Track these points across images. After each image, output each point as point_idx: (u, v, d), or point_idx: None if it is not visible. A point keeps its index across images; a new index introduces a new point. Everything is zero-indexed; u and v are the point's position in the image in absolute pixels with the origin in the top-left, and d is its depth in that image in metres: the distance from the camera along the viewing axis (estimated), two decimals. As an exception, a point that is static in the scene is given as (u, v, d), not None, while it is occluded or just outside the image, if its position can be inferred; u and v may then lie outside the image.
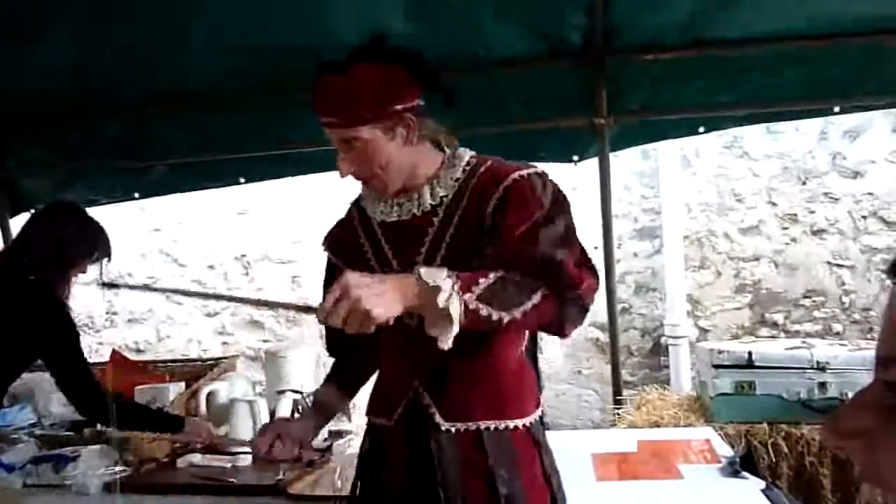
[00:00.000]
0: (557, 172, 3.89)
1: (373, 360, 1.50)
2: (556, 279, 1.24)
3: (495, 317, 1.19)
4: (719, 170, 3.83)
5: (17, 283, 2.13)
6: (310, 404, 1.65)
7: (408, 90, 1.31)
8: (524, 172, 1.32)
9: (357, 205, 1.50)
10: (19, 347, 2.14)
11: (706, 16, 2.31)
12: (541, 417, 1.42)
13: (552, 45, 2.49)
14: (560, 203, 1.33)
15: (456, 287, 1.15)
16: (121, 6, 2.20)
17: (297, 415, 1.83)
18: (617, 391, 2.77)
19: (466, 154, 1.40)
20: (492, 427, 1.33)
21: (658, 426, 2.51)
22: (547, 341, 4.05)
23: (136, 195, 3.10)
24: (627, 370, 3.84)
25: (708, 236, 3.85)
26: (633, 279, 3.95)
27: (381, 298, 1.12)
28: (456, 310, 1.14)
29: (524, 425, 1.36)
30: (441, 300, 1.13)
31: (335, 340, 1.56)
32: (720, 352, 2.55)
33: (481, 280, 1.18)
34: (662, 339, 3.87)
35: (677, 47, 2.44)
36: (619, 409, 2.73)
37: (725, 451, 2.05)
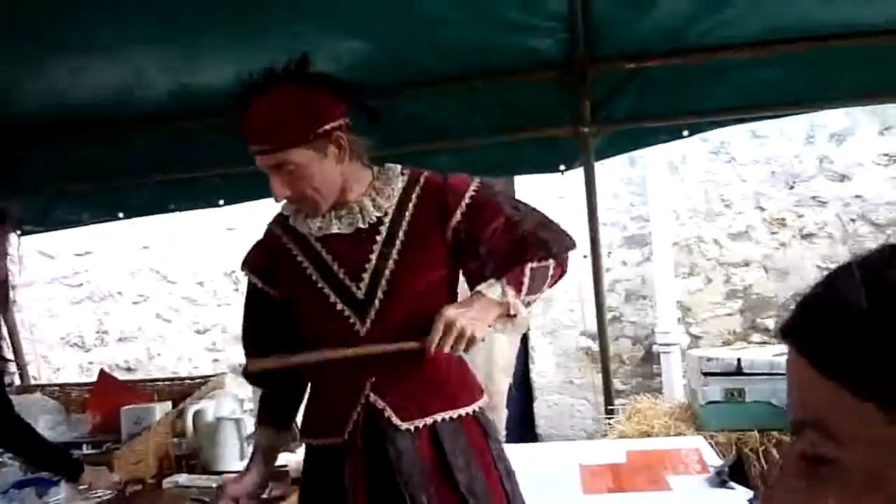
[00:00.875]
0: (544, 182, 3.92)
1: (299, 386, 1.52)
2: (558, 250, 1.46)
3: (532, 300, 1.42)
4: (707, 175, 3.83)
5: None
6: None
7: (334, 109, 1.35)
8: (476, 184, 1.44)
9: (281, 224, 1.49)
10: None
11: (688, 22, 2.32)
12: (483, 406, 1.48)
13: (534, 56, 2.49)
14: (506, 195, 1.52)
15: (513, 294, 1.36)
16: (108, 35, 2.19)
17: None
18: (608, 401, 2.75)
19: (396, 167, 1.47)
20: (447, 417, 1.40)
21: (649, 436, 2.50)
22: (538, 352, 4.04)
23: (120, 215, 3.08)
24: (620, 379, 3.83)
25: (697, 242, 3.85)
26: (623, 287, 3.94)
27: (477, 322, 1.32)
28: (521, 311, 1.38)
29: (473, 411, 1.44)
30: (512, 309, 1.36)
31: (260, 375, 1.52)
32: (709, 359, 2.54)
33: (524, 279, 1.38)
34: (654, 347, 3.86)
35: (660, 55, 2.45)
36: (610, 418, 2.71)
37: (715, 460, 2.04)
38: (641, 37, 2.39)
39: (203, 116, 2.65)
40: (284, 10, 2.13)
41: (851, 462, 0.40)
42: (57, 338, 4.62)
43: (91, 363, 4.51)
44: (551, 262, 1.44)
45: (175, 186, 2.98)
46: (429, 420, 1.39)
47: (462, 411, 1.42)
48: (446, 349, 1.31)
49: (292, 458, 2.12)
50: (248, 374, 1.54)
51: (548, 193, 3.88)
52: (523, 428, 3.84)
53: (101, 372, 2.98)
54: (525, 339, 3.91)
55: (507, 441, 3.30)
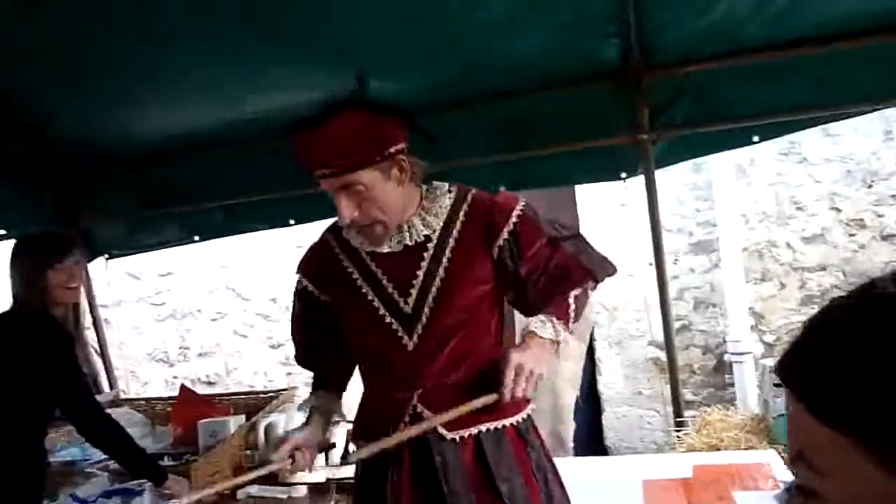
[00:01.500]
0: (605, 191, 3.88)
1: (346, 363, 1.61)
2: (601, 278, 1.54)
3: (573, 326, 1.47)
4: (777, 177, 3.70)
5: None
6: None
7: (396, 133, 1.41)
8: (523, 206, 1.49)
9: (335, 234, 1.55)
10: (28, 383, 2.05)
11: (746, 22, 2.26)
12: (526, 417, 1.51)
13: (590, 64, 2.48)
14: (549, 218, 1.53)
15: (563, 328, 1.43)
16: (195, 75, 2.33)
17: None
18: (678, 412, 2.69)
19: (443, 185, 1.51)
20: (491, 428, 1.44)
21: (718, 450, 2.43)
22: (605, 363, 3.99)
23: (196, 238, 3.23)
24: (690, 389, 3.73)
25: (768, 247, 3.72)
26: (691, 295, 3.84)
27: (541, 362, 1.38)
28: (569, 342, 1.46)
29: (517, 422, 1.47)
30: (562, 343, 1.43)
31: (305, 354, 1.66)
32: (782, 369, 2.44)
33: (570, 311, 1.45)
34: (726, 356, 3.74)
35: (718, 57, 2.40)
36: (679, 430, 2.65)
37: (787, 475, 1.97)
38: (698, 40, 2.34)
39: (271, 141, 2.76)
40: (347, 31, 2.20)
41: (833, 495, 0.40)
42: (144, 353, 4.88)
43: (175, 377, 4.74)
44: (590, 287, 1.51)
45: (246, 209, 3.11)
46: (473, 430, 1.43)
47: (506, 422, 1.45)
48: (519, 393, 1.36)
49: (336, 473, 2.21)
50: (299, 360, 1.68)
51: (610, 202, 3.84)
52: (591, 440, 3.79)
53: (182, 387, 3.13)
54: (591, 351, 3.87)
55: (575, 453, 3.28)
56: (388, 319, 1.45)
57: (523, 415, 1.49)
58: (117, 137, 2.86)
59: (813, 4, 2.18)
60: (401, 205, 1.45)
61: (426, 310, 1.44)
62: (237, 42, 2.27)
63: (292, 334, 1.68)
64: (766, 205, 3.73)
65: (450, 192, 1.51)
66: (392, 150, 1.39)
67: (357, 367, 1.60)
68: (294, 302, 1.64)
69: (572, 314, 1.45)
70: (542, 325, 1.41)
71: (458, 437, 1.42)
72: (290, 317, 1.68)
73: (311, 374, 1.67)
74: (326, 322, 1.58)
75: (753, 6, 2.21)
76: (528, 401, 1.51)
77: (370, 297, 1.47)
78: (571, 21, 2.28)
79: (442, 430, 1.42)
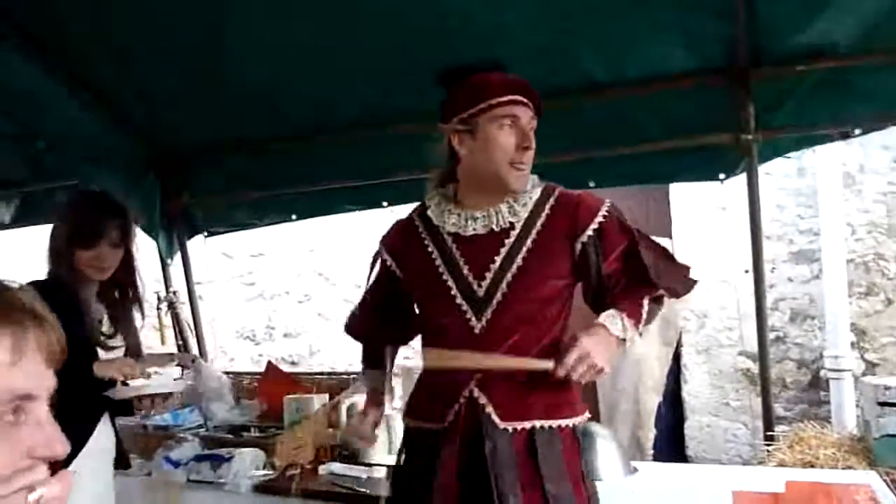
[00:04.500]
0: (704, 192, 3.75)
1: (399, 340, 1.71)
2: (684, 289, 1.54)
3: (642, 329, 1.47)
4: (888, 187, 3.48)
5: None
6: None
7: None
8: (609, 206, 1.52)
9: (421, 215, 1.60)
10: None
11: (864, 21, 2.14)
12: (582, 422, 1.51)
13: (694, 60, 2.40)
14: (632, 225, 1.55)
15: (632, 328, 1.43)
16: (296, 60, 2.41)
17: None
18: (768, 426, 2.57)
19: (534, 177, 1.55)
20: (546, 426, 1.44)
21: (812, 467, 2.31)
22: (691, 370, 3.86)
23: (294, 217, 3.31)
24: (781, 404, 3.57)
25: (876, 260, 3.51)
26: (788, 306, 3.67)
27: (604, 356, 1.37)
28: (636, 342, 1.46)
29: (572, 425, 1.47)
30: (629, 343, 1.43)
31: (362, 324, 1.75)
32: (887, 388, 2.32)
33: (642, 313, 1.46)
34: (822, 372, 3.55)
35: (828, 56, 2.27)
36: (769, 445, 2.53)
37: (890, 499, 1.85)
38: (810, 39, 2.23)
39: (371, 126, 2.81)
40: (434, 18, 2.22)
41: None
42: (233, 331, 5.09)
43: (260, 355, 4.92)
44: (665, 297, 1.52)
45: (340, 192, 3.18)
46: (527, 424, 1.44)
47: (561, 422, 1.46)
48: (576, 376, 1.36)
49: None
50: (348, 329, 1.79)
51: (707, 204, 3.72)
52: (672, 448, 3.68)
53: (269, 363, 3.24)
54: (677, 357, 3.76)
55: (655, 460, 3.20)
56: (458, 300, 1.48)
57: (579, 419, 1.49)
58: (219, 123, 2.97)
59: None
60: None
61: (499, 294, 1.46)
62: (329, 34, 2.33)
63: (359, 303, 1.76)
64: (876, 215, 3.51)
65: (538, 185, 1.54)
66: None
67: (421, 346, 1.62)
68: (369, 270, 1.71)
69: (644, 317, 1.46)
70: (613, 321, 1.42)
71: (511, 428, 1.43)
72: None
73: (361, 345, 1.79)
74: (394, 296, 1.66)
75: (871, 4, 2.08)
76: (586, 407, 1.53)
77: (445, 278, 1.50)
78: (677, 15, 2.21)
79: (495, 419, 1.43)
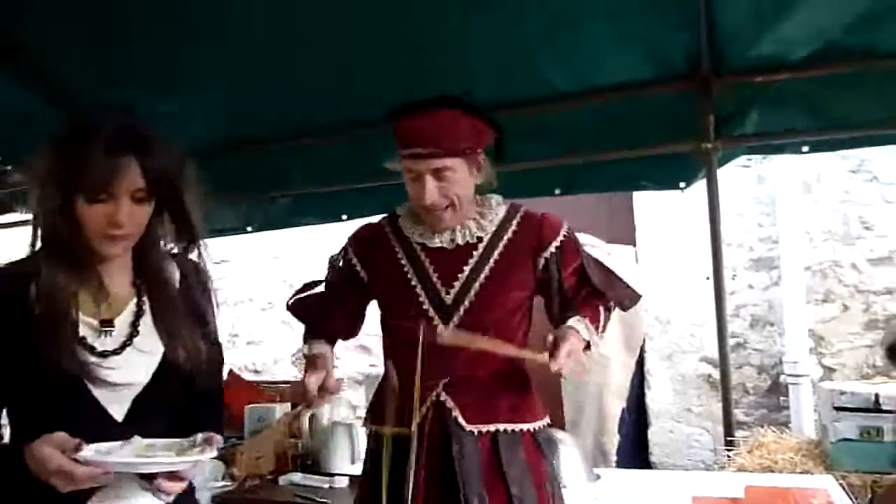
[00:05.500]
0: (665, 200, 3.79)
1: (340, 336, 1.67)
2: (629, 304, 1.66)
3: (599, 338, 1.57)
4: (845, 195, 3.56)
5: None
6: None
7: (485, 135, 1.54)
8: (568, 227, 1.61)
9: (391, 222, 1.64)
10: None
11: (824, 32, 2.18)
12: (544, 426, 1.57)
13: (656, 69, 2.43)
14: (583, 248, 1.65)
15: (594, 333, 1.53)
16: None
17: None
18: (728, 432, 2.60)
19: (498, 197, 1.63)
20: (509, 429, 1.50)
21: (771, 472, 2.35)
22: (655, 377, 3.90)
23: (249, 228, 3.26)
24: (742, 409, 3.62)
25: (833, 267, 3.58)
26: (748, 312, 3.73)
27: (581, 353, 1.46)
28: (599, 348, 1.56)
29: (534, 429, 1.53)
30: (592, 347, 1.52)
31: (311, 308, 1.68)
32: (843, 393, 2.36)
33: (601, 319, 1.57)
34: (782, 378, 3.61)
35: (789, 67, 2.32)
36: (730, 450, 2.57)
37: (845, 503, 1.88)
38: (771, 49, 2.27)
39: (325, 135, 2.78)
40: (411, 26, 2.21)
41: None
42: (194, 339, 4.98)
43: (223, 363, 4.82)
44: (614, 311, 1.64)
45: (296, 202, 3.13)
46: (492, 427, 1.49)
47: (523, 426, 1.52)
48: (565, 371, 1.43)
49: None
50: (297, 307, 1.71)
51: (669, 212, 3.76)
52: (636, 454, 3.71)
53: (230, 371, 3.19)
54: (641, 363, 3.79)
55: (618, 466, 3.22)
56: (426, 306, 1.52)
57: (540, 424, 1.55)
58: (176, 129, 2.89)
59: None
60: (470, 200, 1.56)
61: (466, 301, 1.52)
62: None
63: (305, 284, 1.71)
64: (833, 223, 3.59)
65: (503, 203, 1.63)
66: (479, 148, 1.53)
67: (384, 352, 1.64)
68: (329, 266, 1.69)
69: (602, 323, 1.58)
70: (579, 324, 1.51)
71: (477, 431, 1.48)
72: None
73: (305, 325, 1.71)
74: (351, 294, 1.65)
75: (830, 17, 2.13)
76: (546, 413, 1.59)
77: (413, 283, 1.54)
78: (640, 25, 2.24)
79: (462, 421, 1.47)
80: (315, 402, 1.50)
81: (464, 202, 1.53)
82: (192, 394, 1.29)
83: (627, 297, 1.65)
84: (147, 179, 1.21)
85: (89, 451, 1.08)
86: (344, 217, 3.09)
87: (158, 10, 2.17)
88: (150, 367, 1.23)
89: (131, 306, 1.27)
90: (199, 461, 1.14)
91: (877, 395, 2.28)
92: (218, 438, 1.20)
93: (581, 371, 1.47)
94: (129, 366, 1.21)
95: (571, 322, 1.51)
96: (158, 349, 1.25)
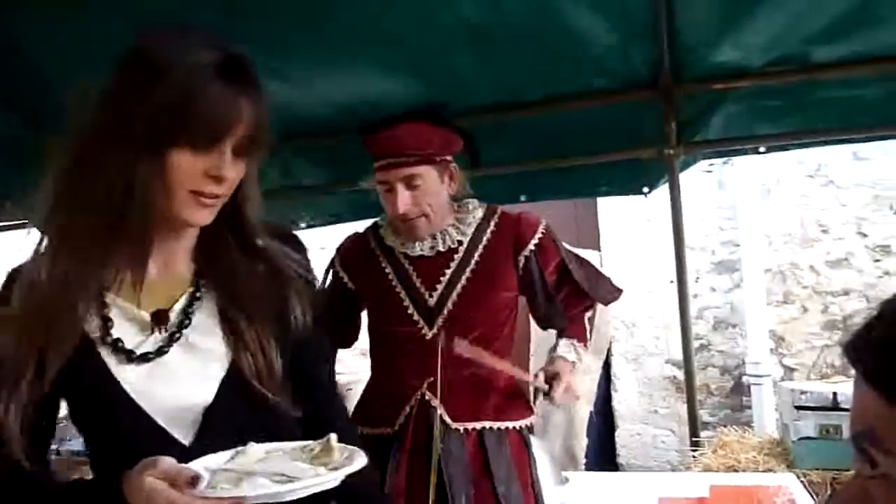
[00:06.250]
0: (630, 205, 3.85)
1: (339, 340, 1.71)
2: (611, 299, 1.76)
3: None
4: (802, 199, 3.66)
5: None
6: None
7: (455, 143, 1.59)
8: (545, 224, 1.65)
9: (374, 233, 1.69)
10: None
11: (782, 40, 2.24)
12: (530, 425, 1.62)
13: (618, 76, 2.46)
14: (563, 245, 1.70)
15: (584, 350, 1.60)
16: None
17: None
18: (694, 432, 2.64)
19: (475, 201, 1.67)
20: (494, 427, 1.53)
21: (735, 471, 2.39)
22: (621, 379, 3.95)
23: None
24: (707, 410, 3.68)
25: (792, 269, 3.68)
26: (711, 314, 3.80)
27: (577, 384, 1.56)
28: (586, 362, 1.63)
29: (519, 427, 1.57)
30: (581, 367, 1.60)
31: None
32: (803, 392, 2.41)
33: (586, 330, 1.63)
34: (744, 378, 3.69)
35: (749, 74, 2.37)
36: (695, 451, 2.61)
37: (807, 500, 1.92)
38: (731, 56, 2.32)
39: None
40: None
41: None
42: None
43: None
44: (599, 307, 1.73)
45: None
46: (477, 425, 1.52)
47: (509, 424, 1.56)
48: (559, 401, 1.53)
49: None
50: None
51: (634, 217, 3.82)
52: (603, 456, 3.74)
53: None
54: (607, 366, 3.83)
55: (586, 469, 3.24)
56: (410, 310, 1.57)
57: (527, 421, 1.59)
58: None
59: (850, 27, 2.16)
60: (444, 207, 1.60)
61: (449, 304, 1.56)
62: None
63: None
64: (791, 227, 3.69)
65: (480, 207, 1.67)
66: (449, 156, 1.58)
67: (371, 357, 1.70)
68: (322, 277, 1.71)
69: (588, 334, 1.65)
70: (569, 350, 1.59)
71: (462, 429, 1.51)
72: None
73: None
74: (342, 305, 1.69)
75: (789, 25, 2.19)
76: (531, 410, 1.63)
77: (398, 290, 1.59)
78: (601, 33, 2.26)
79: (447, 419, 1.50)
80: None
81: (438, 211, 1.56)
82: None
83: (609, 293, 1.70)
84: (256, 125, 0.89)
85: (200, 469, 0.77)
86: (303, 225, 3.04)
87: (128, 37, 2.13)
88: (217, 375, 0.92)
89: (186, 296, 0.95)
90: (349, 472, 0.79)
91: (835, 394, 2.34)
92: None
93: (572, 398, 1.53)
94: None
95: (562, 350, 1.58)
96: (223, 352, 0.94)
